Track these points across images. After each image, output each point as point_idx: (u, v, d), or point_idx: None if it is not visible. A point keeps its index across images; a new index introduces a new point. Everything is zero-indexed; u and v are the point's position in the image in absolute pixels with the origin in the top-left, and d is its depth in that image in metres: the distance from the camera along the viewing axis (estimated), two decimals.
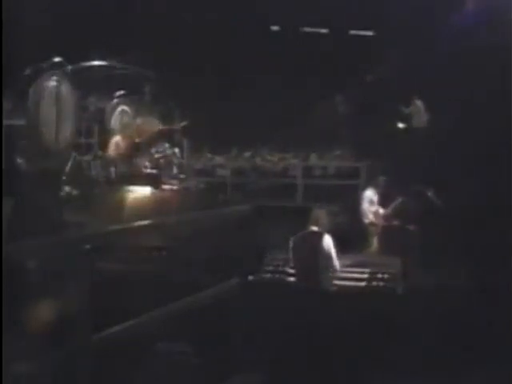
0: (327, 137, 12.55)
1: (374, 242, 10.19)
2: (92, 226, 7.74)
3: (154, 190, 9.82)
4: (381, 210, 10.40)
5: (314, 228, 7.61)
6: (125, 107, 10.78)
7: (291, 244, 7.62)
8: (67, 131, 9.29)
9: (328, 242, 7.60)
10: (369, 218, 10.28)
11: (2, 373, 2.43)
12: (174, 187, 10.23)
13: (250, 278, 7.59)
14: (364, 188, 10.77)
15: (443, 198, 9.58)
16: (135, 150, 10.31)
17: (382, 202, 10.48)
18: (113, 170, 10.08)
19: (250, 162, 13.03)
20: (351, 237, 8.92)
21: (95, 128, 10.69)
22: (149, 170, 10.31)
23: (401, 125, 12.39)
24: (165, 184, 10.22)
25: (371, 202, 10.52)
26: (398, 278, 7.97)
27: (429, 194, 9.84)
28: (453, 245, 8.53)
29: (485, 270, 7.56)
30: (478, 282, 7.43)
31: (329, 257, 7.56)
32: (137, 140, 10.34)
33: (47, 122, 8.92)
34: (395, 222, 10.17)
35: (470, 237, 8.50)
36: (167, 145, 10.85)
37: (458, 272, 7.91)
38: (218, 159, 13.20)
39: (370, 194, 10.57)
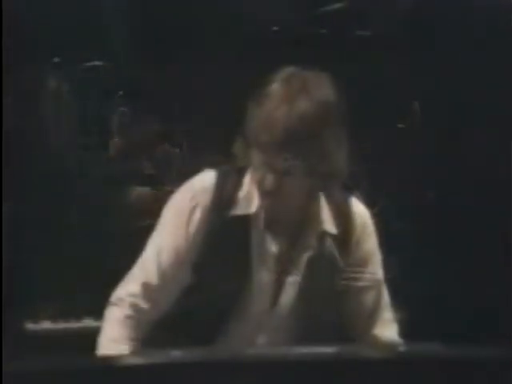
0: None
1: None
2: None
3: (154, 190, 9.82)
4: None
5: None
6: (125, 107, 10.78)
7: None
8: (67, 131, 9.31)
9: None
10: None
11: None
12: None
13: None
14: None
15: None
16: (135, 150, 10.31)
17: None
18: (113, 169, 10.08)
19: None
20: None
21: (95, 128, 10.69)
22: (149, 170, 10.31)
23: (400, 125, 12.42)
24: (165, 184, 10.21)
25: None
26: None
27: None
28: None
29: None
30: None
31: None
32: (137, 140, 10.34)
33: (47, 122, 8.93)
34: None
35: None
36: (167, 145, 10.85)
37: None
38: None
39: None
